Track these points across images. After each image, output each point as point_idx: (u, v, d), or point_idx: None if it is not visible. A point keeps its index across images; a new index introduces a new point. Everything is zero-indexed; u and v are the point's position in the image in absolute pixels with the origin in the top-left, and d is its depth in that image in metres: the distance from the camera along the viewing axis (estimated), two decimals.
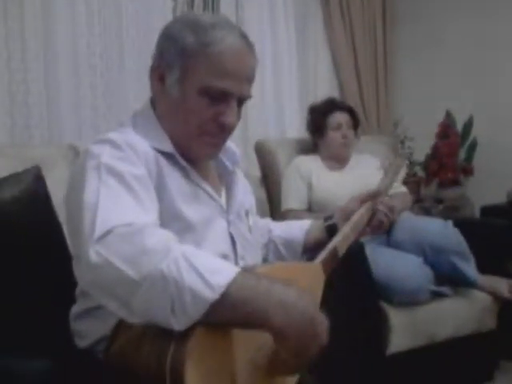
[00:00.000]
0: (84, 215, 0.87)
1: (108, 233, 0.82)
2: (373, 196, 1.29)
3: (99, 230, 0.82)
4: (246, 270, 0.83)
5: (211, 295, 0.77)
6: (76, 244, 0.93)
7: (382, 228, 1.32)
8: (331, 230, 1.27)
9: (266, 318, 0.79)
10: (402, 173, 1.63)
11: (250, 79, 1.08)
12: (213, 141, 1.08)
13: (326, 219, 1.32)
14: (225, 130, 1.07)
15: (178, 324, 0.77)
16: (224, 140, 1.11)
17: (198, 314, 0.77)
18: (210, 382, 0.80)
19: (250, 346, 0.87)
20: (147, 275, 0.77)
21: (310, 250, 1.31)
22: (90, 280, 0.83)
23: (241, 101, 1.08)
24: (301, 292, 0.83)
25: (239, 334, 0.84)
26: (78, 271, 1.06)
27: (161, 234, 0.84)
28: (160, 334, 0.80)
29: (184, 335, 0.78)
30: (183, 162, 1.08)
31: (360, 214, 1.24)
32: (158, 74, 1.08)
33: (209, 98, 1.03)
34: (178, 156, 1.07)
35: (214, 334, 0.81)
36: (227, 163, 1.20)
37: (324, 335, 0.82)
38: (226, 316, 0.79)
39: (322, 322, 0.83)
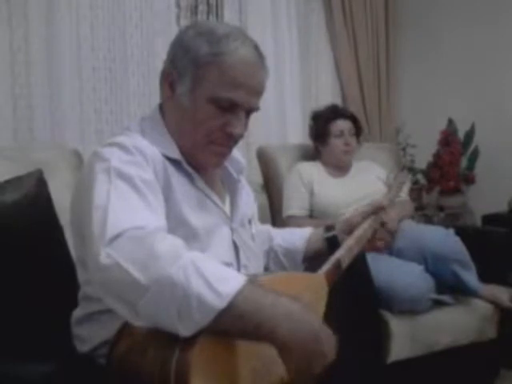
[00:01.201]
0: (94, 217, 0.87)
1: (119, 235, 0.82)
2: (377, 209, 1.30)
3: (110, 232, 0.83)
4: (253, 281, 0.83)
5: (218, 303, 0.77)
6: (84, 246, 0.93)
7: (387, 245, 1.32)
8: (331, 242, 1.28)
9: (272, 329, 0.80)
10: (406, 188, 1.64)
11: (259, 92, 1.09)
12: (219, 150, 1.09)
13: (326, 229, 1.32)
14: (232, 140, 1.08)
15: (185, 330, 0.78)
16: (230, 149, 1.12)
17: (204, 321, 0.77)
18: None
19: (254, 354, 0.87)
20: (156, 280, 0.78)
21: (310, 259, 1.31)
22: (99, 281, 0.83)
23: (249, 112, 1.09)
24: (306, 307, 0.83)
25: (243, 344, 0.84)
26: (82, 275, 1.06)
27: (171, 239, 0.85)
28: (164, 340, 0.80)
29: (189, 342, 0.78)
30: (189, 169, 1.08)
31: (364, 228, 1.25)
32: (169, 80, 1.08)
33: (218, 107, 1.04)
34: (184, 163, 1.08)
35: (218, 342, 0.81)
36: (232, 172, 1.20)
37: (329, 352, 0.83)
38: (231, 325, 0.79)
39: (328, 339, 0.83)
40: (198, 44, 1.04)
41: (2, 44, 2.10)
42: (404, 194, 2.19)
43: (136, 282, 0.78)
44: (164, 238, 0.84)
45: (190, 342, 0.78)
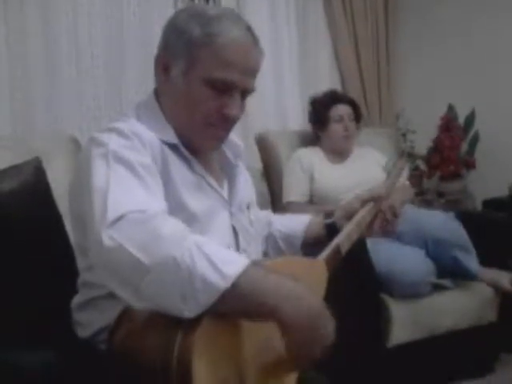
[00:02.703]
0: (94, 200, 0.87)
1: (121, 217, 0.82)
2: (376, 198, 1.29)
3: (111, 214, 0.83)
4: (256, 263, 0.84)
5: (223, 284, 0.77)
6: (84, 232, 0.93)
7: (390, 232, 1.32)
8: (330, 228, 1.28)
9: (275, 309, 0.80)
10: (405, 174, 1.64)
11: (253, 72, 1.08)
12: (216, 132, 1.08)
13: (326, 216, 1.32)
14: (228, 122, 1.08)
15: (188, 311, 0.78)
16: (227, 132, 1.11)
17: (208, 302, 0.77)
18: (218, 371, 0.80)
19: (256, 336, 0.87)
20: (160, 261, 0.78)
21: (309, 245, 1.31)
22: (101, 264, 0.83)
23: (244, 94, 1.08)
24: (309, 289, 0.84)
25: (246, 325, 0.85)
26: (82, 262, 1.06)
27: (174, 221, 0.85)
28: (166, 324, 0.80)
29: (191, 325, 0.78)
30: (187, 153, 1.08)
31: (363, 214, 1.24)
32: (163, 64, 1.08)
33: (213, 89, 1.03)
34: (181, 147, 1.07)
35: (221, 324, 0.81)
36: (230, 156, 1.20)
37: (330, 333, 0.83)
38: (235, 306, 0.80)
39: (329, 321, 0.84)
40: (190, 26, 1.04)
41: (1, 34, 2.09)
42: (403, 180, 2.19)
43: (139, 263, 0.78)
44: (166, 220, 0.84)
45: (192, 324, 0.78)
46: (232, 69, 1.03)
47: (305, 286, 0.84)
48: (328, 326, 0.83)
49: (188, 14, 1.07)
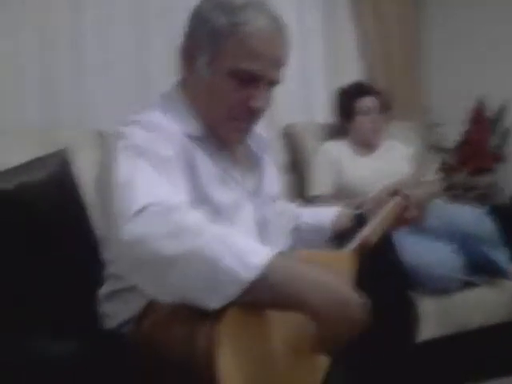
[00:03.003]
0: (117, 194, 0.87)
1: (143, 210, 0.82)
2: (403, 188, 1.27)
3: (133, 207, 0.82)
4: (281, 253, 0.83)
5: (247, 275, 0.76)
6: (109, 223, 0.92)
7: (416, 221, 1.29)
8: (360, 220, 1.26)
9: (302, 300, 0.79)
10: (433, 167, 1.61)
11: (280, 63, 1.06)
12: (241, 125, 1.07)
13: (354, 208, 1.30)
14: (253, 115, 1.06)
15: (213, 303, 0.77)
16: (252, 124, 1.10)
17: (233, 294, 0.77)
18: (243, 362, 0.79)
19: (283, 326, 0.86)
20: (183, 253, 0.77)
21: (337, 237, 1.29)
22: (124, 257, 0.83)
23: (270, 85, 1.06)
24: (336, 277, 0.83)
25: (272, 315, 0.84)
26: (108, 253, 1.06)
27: (196, 213, 0.84)
28: (191, 316, 0.79)
29: (216, 316, 0.77)
30: (211, 146, 1.07)
31: (391, 205, 1.22)
32: (188, 54, 1.07)
33: (238, 80, 1.02)
34: (205, 139, 1.06)
35: (246, 315, 0.80)
36: (255, 148, 1.18)
37: (360, 320, 0.82)
38: (261, 297, 0.79)
39: (359, 307, 0.82)
40: (215, 15, 1.02)
41: (29, 27, 2.11)
42: (430, 173, 2.15)
43: (162, 257, 0.77)
44: (188, 212, 0.83)
45: (217, 316, 0.77)
46: (258, 59, 1.01)
47: (333, 275, 0.83)
48: (357, 310, 0.82)
49: (213, 3, 1.05)
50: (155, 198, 0.84)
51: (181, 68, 1.09)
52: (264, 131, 1.23)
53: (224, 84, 1.02)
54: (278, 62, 1.05)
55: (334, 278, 0.82)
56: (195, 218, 0.82)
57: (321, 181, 2.28)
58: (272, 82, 1.06)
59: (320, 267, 0.83)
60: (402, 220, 1.26)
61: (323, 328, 0.81)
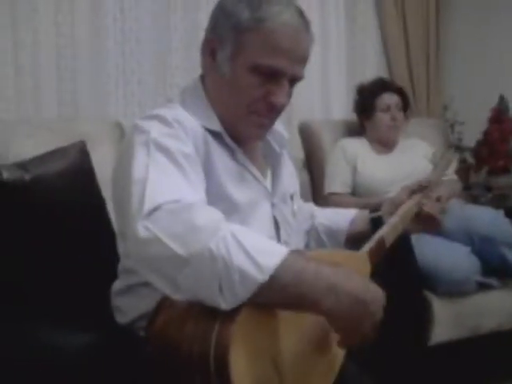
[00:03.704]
0: (132, 190, 0.87)
1: (157, 208, 0.81)
2: (423, 188, 1.25)
3: (148, 205, 0.82)
4: (294, 252, 0.82)
5: (260, 276, 0.76)
6: (123, 219, 0.92)
7: (435, 226, 1.26)
8: (376, 223, 1.23)
9: (315, 300, 0.79)
10: (452, 167, 1.58)
11: (303, 59, 1.04)
12: (261, 121, 1.05)
13: (372, 210, 1.28)
14: (274, 111, 1.04)
15: (225, 303, 0.76)
16: (273, 121, 1.08)
17: (245, 295, 0.76)
18: (255, 362, 0.79)
19: (295, 327, 0.86)
20: (195, 253, 0.77)
21: (353, 240, 1.27)
22: (137, 255, 0.83)
23: (293, 81, 1.04)
24: (349, 273, 0.83)
25: (285, 315, 0.83)
26: (123, 247, 1.06)
27: (210, 211, 0.83)
28: (204, 314, 0.79)
29: (229, 315, 0.77)
30: (230, 142, 1.05)
31: (409, 206, 1.20)
32: (210, 48, 1.05)
33: (260, 75, 1.00)
34: (225, 135, 1.05)
35: (259, 315, 0.80)
36: (274, 145, 1.17)
37: (378, 311, 0.83)
38: (273, 298, 0.78)
39: (375, 298, 0.83)
40: (239, 9, 1.00)
41: (47, 17, 2.12)
42: (450, 172, 2.12)
43: (175, 255, 0.77)
44: (202, 211, 0.83)
45: (230, 315, 0.77)
46: (281, 55, 0.99)
47: (345, 271, 0.82)
48: (376, 302, 0.82)
49: None
50: (171, 196, 0.83)
51: (202, 62, 1.08)
52: (282, 128, 1.21)
53: (244, 79, 1.01)
54: (301, 58, 1.03)
55: (347, 276, 0.82)
56: (207, 215, 0.82)
57: (336, 178, 2.25)
58: (295, 78, 1.04)
59: (333, 263, 0.83)
60: (420, 221, 1.24)
61: (339, 326, 0.82)
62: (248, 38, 0.99)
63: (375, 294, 0.83)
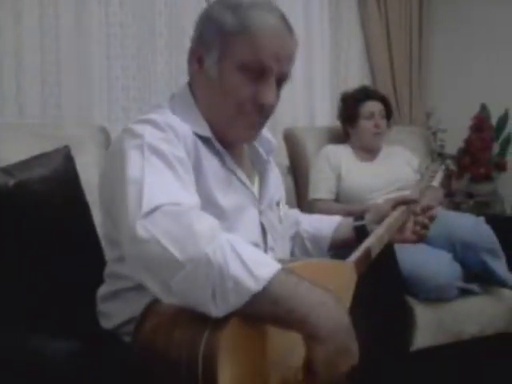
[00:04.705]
0: (128, 191, 0.86)
1: (156, 209, 0.81)
2: (409, 201, 1.27)
3: (146, 205, 0.82)
4: (287, 269, 0.82)
5: (254, 286, 0.76)
6: (115, 223, 0.92)
7: (420, 238, 1.28)
8: (360, 231, 1.25)
9: (304, 316, 0.79)
10: (438, 178, 1.60)
11: (289, 58, 1.05)
12: (251, 122, 1.06)
13: (355, 218, 1.29)
14: (263, 111, 1.05)
15: (217, 310, 0.77)
16: (262, 122, 1.09)
17: (238, 303, 0.77)
18: (242, 372, 0.79)
19: (281, 345, 0.86)
20: (192, 257, 0.77)
21: (336, 247, 1.29)
22: (133, 254, 0.82)
23: (280, 81, 1.06)
24: (339, 301, 0.83)
25: (272, 333, 0.84)
26: (110, 252, 1.06)
27: (208, 218, 0.84)
28: (194, 321, 0.79)
29: (219, 324, 0.77)
30: (220, 147, 1.06)
31: (395, 217, 1.22)
32: (197, 56, 1.07)
33: (248, 74, 1.01)
34: (214, 141, 1.06)
35: (248, 327, 0.80)
36: (262, 151, 1.18)
37: (356, 351, 0.82)
38: (264, 309, 0.78)
39: (354, 339, 0.82)
40: (224, 16, 1.03)
41: (31, 20, 2.11)
42: (436, 183, 2.15)
43: (172, 258, 0.77)
44: (201, 217, 0.83)
45: (219, 324, 0.77)
46: (267, 53, 1.01)
47: (336, 298, 0.82)
48: (353, 343, 0.82)
49: (222, 5, 1.05)
50: (168, 199, 0.83)
51: (190, 69, 1.10)
52: (270, 135, 1.22)
53: (232, 79, 1.02)
54: (287, 57, 1.04)
55: (338, 301, 0.82)
56: (206, 222, 0.82)
57: (320, 184, 2.27)
58: (282, 77, 1.05)
59: (325, 287, 0.82)
60: (405, 233, 1.26)
61: (317, 352, 0.79)
62: (234, 41, 1.01)
63: (354, 337, 0.82)
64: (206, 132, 1.05)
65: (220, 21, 1.03)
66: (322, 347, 0.79)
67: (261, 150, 1.18)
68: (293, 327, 0.81)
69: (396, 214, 1.22)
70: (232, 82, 1.02)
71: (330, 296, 0.82)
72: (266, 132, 1.17)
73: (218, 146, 1.06)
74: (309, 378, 0.83)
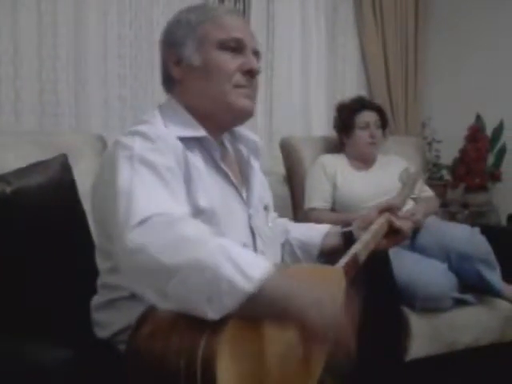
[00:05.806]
0: (118, 203, 0.88)
1: (145, 220, 0.83)
2: (390, 208, 1.29)
3: (136, 216, 0.84)
4: (280, 268, 0.85)
5: (248, 287, 0.78)
6: (105, 234, 0.93)
7: (403, 236, 1.30)
8: (347, 237, 1.28)
9: (299, 314, 0.81)
10: (418, 186, 1.64)
11: (255, 39, 1.16)
12: (245, 91, 1.11)
13: (344, 226, 1.32)
14: (251, 77, 1.12)
15: (213, 313, 0.78)
16: (254, 91, 1.14)
17: (233, 305, 0.78)
18: (242, 374, 0.80)
19: (280, 341, 0.87)
20: (184, 264, 0.78)
21: (326, 255, 1.31)
22: (126, 266, 0.84)
23: (255, 55, 1.14)
24: (333, 298, 0.85)
25: (270, 330, 0.85)
26: (103, 263, 1.06)
27: (198, 224, 0.86)
28: (191, 326, 0.80)
29: (217, 328, 0.78)
30: (215, 145, 1.10)
31: (380, 223, 1.24)
32: (173, 60, 1.13)
33: (228, 51, 1.10)
34: (211, 139, 1.09)
35: (246, 328, 0.81)
36: (245, 153, 1.21)
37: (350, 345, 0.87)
38: (260, 309, 0.80)
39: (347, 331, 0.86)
40: (189, 15, 1.14)
41: (29, 28, 2.12)
42: (417, 191, 2.16)
43: (164, 266, 0.78)
44: (190, 223, 0.85)
45: (217, 327, 0.78)
46: (236, 29, 1.12)
47: (330, 295, 0.85)
48: (346, 335, 0.86)
49: (182, 11, 1.17)
50: (159, 209, 0.85)
51: (169, 80, 1.16)
52: (254, 134, 1.26)
53: (217, 57, 1.10)
54: (251, 33, 1.16)
55: (332, 297, 0.84)
56: (196, 228, 0.84)
57: (316, 194, 2.27)
58: (255, 52, 1.14)
59: (317, 284, 0.85)
60: (391, 238, 1.28)
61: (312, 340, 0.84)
62: (205, 27, 1.12)
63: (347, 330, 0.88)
64: (200, 132, 1.08)
65: (187, 18, 1.13)
66: (315, 338, 0.83)
67: (245, 150, 1.22)
68: (289, 324, 0.83)
69: (380, 220, 1.25)
70: (217, 60, 1.10)
71: (324, 293, 0.84)
72: (249, 132, 1.23)
73: (213, 144, 1.10)
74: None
